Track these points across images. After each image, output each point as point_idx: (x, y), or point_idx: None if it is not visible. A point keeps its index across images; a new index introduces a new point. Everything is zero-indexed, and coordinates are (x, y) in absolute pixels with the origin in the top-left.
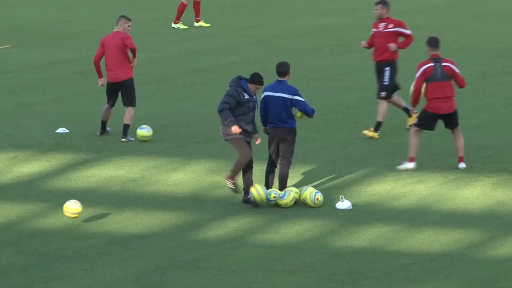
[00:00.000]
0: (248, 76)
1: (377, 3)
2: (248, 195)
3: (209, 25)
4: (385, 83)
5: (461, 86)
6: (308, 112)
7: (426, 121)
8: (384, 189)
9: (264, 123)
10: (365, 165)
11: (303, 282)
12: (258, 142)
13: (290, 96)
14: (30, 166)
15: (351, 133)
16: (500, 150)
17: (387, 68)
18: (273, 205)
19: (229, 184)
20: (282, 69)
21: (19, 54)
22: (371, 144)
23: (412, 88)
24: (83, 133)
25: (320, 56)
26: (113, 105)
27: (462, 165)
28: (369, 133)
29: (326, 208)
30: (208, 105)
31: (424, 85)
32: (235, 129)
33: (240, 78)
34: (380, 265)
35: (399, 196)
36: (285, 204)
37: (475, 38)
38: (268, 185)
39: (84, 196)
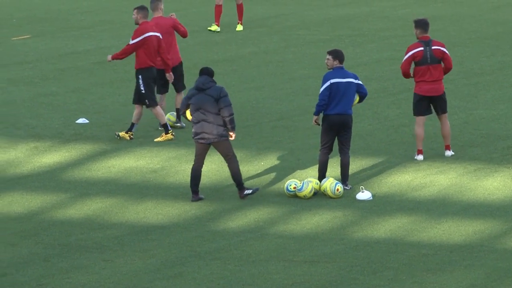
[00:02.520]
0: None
1: (134, 8)
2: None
3: (241, 29)
4: (143, 92)
5: (449, 67)
6: (365, 96)
7: (419, 106)
8: (404, 180)
9: (323, 112)
10: (385, 155)
11: (323, 273)
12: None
13: (356, 81)
14: (50, 157)
15: (370, 124)
16: None
17: (140, 77)
18: (292, 196)
19: (249, 193)
20: (343, 56)
21: (39, 45)
22: (391, 135)
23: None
24: (103, 124)
25: (339, 46)
26: (166, 91)
27: (448, 153)
28: (122, 134)
29: (346, 199)
30: None
31: (412, 67)
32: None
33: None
34: (400, 256)
35: (419, 187)
36: (304, 196)
37: (494, 29)
38: (323, 176)
39: (105, 186)
